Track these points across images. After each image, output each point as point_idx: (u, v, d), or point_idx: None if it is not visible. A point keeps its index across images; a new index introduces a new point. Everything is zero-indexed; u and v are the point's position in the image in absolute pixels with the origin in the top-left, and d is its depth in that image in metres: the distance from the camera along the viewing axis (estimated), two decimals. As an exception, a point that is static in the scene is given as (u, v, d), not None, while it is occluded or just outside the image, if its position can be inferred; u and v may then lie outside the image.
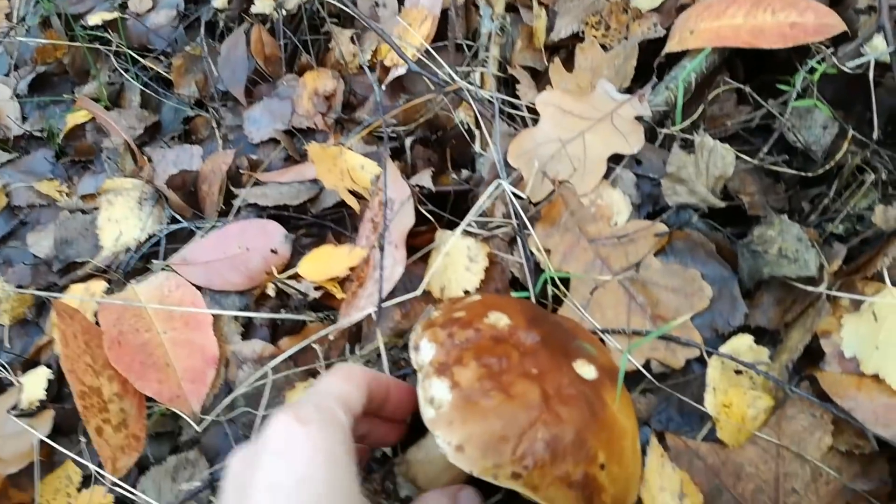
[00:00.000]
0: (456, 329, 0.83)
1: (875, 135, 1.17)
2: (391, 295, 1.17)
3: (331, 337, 1.18)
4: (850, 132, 1.19)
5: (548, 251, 1.16)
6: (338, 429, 0.70)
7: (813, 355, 1.04)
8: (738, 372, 1.05)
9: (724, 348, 1.05)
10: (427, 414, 0.75)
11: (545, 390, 0.77)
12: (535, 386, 0.77)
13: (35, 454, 1.22)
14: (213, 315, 1.29)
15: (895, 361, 0.96)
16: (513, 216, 1.19)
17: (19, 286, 1.55)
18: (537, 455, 0.73)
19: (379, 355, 1.11)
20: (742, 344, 1.06)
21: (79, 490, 1.26)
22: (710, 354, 1.04)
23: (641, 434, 0.96)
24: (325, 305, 1.29)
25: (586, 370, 0.84)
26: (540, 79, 1.48)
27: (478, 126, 1.38)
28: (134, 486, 1.23)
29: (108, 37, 1.97)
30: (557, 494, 0.74)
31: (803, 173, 1.21)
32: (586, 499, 0.76)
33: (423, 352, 0.82)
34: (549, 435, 0.74)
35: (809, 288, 1.04)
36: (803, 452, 0.96)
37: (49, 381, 1.33)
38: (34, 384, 1.33)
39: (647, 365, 1.06)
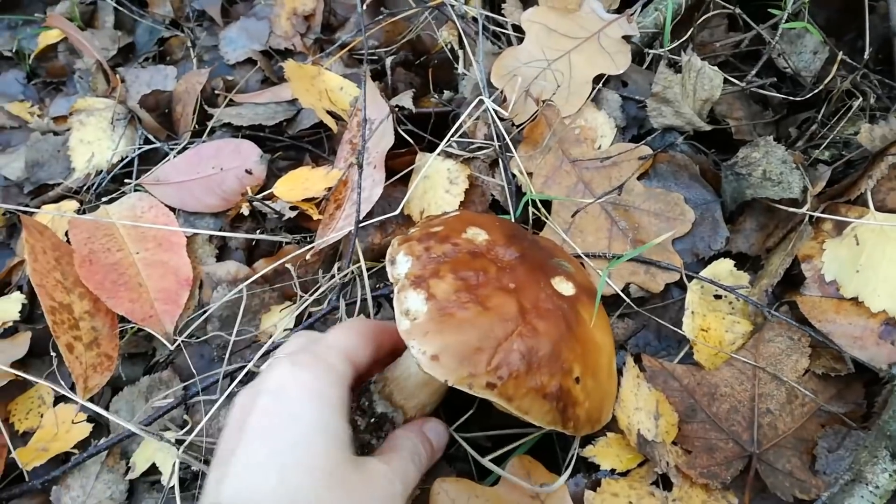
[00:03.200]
0: (433, 243, 0.82)
1: (866, 56, 1.14)
2: (369, 216, 1.15)
3: (308, 257, 1.16)
4: (840, 56, 1.16)
5: (530, 174, 1.14)
6: (332, 374, 0.75)
7: (793, 281, 1.03)
8: (717, 297, 1.04)
9: (704, 272, 1.04)
10: (402, 325, 0.74)
11: (522, 304, 0.76)
12: (512, 299, 0.76)
13: None
14: (187, 236, 1.26)
15: (875, 285, 0.96)
16: (494, 137, 1.16)
17: (-11, 207, 1.51)
18: (512, 366, 0.73)
19: (355, 277, 1.09)
20: (723, 268, 1.05)
21: (50, 409, 1.24)
22: (690, 278, 1.03)
23: (618, 357, 0.96)
24: (302, 227, 1.27)
25: (564, 286, 0.83)
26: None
27: (461, 46, 1.34)
28: (107, 407, 1.21)
29: (81, -47, 1.89)
30: (532, 405, 0.74)
31: (792, 98, 1.19)
32: (560, 410, 0.76)
33: (399, 265, 0.81)
34: (524, 347, 0.74)
35: (792, 209, 1.02)
36: (780, 374, 0.96)
37: (23, 304, 1.31)
38: (7, 305, 1.30)
39: (626, 289, 1.05)
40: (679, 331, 1.02)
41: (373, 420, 0.86)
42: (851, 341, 0.95)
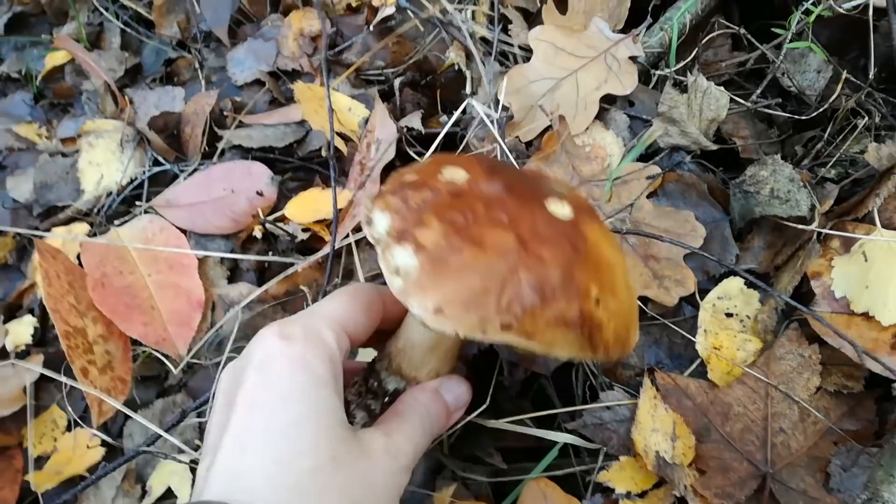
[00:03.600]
0: (409, 192, 0.74)
1: (870, 77, 1.15)
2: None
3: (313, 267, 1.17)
4: (844, 75, 1.17)
5: (539, 192, 1.15)
6: (322, 349, 0.69)
7: (801, 298, 1.04)
8: (728, 314, 1.05)
9: (715, 290, 1.05)
10: (395, 286, 0.67)
11: (520, 235, 0.69)
12: (508, 232, 0.69)
13: (28, 396, 1.21)
14: (199, 258, 1.27)
15: (885, 300, 0.96)
16: (500, 153, 1.17)
17: (-1, 231, 1.52)
18: (525, 300, 0.66)
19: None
20: (733, 287, 1.06)
21: (63, 433, 1.25)
22: (702, 295, 1.04)
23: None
24: (313, 249, 1.27)
25: (560, 209, 0.76)
26: (532, 20, 1.45)
27: (469, 66, 1.36)
28: (121, 430, 1.22)
29: (87, -24, 1.91)
30: (555, 337, 0.67)
31: (797, 117, 1.20)
32: (587, 337, 0.69)
33: (378, 224, 0.73)
34: (533, 277, 0.67)
35: (801, 226, 1.03)
36: (792, 392, 0.96)
37: (34, 327, 1.32)
38: (20, 328, 1.31)
39: (642, 301, 1.06)
40: (692, 345, 1.03)
41: (386, 400, 0.82)
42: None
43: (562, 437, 1.00)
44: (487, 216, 0.70)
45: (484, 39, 1.31)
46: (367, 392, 0.83)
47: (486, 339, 0.65)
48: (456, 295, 0.65)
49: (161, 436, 1.08)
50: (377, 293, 0.80)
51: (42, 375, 1.25)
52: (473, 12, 1.42)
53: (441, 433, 0.79)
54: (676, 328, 1.06)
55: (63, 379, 1.16)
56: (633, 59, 1.24)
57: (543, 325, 0.66)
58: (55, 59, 1.85)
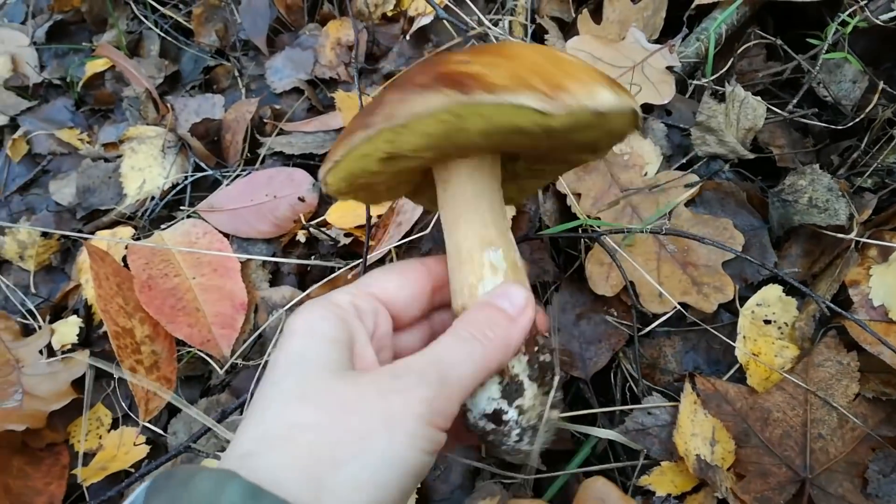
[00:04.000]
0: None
1: (907, 88, 1.16)
2: (407, 235, 1.18)
3: (349, 277, 1.19)
4: (881, 85, 1.18)
5: (577, 195, 1.17)
6: (336, 318, 0.66)
7: (839, 306, 1.05)
8: (767, 321, 1.06)
9: (754, 297, 1.07)
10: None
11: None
12: None
13: (88, 380, 1.24)
14: (241, 262, 1.30)
15: (923, 308, 0.97)
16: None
17: (44, 233, 1.56)
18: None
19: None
20: (772, 294, 1.07)
21: (108, 431, 1.28)
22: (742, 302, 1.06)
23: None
24: (355, 254, 1.30)
25: None
26: (568, 30, 1.47)
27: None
28: (165, 428, 1.25)
29: (126, -16, 1.95)
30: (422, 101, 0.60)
31: (833, 126, 1.21)
32: (456, 86, 0.59)
33: None
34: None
35: (840, 235, 1.04)
36: (830, 399, 0.98)
37: (80, 327, 1.35)
38: (65, 329, 1.35)
39: (681, 306, 1.07)
40: (730, 351, 1.04)
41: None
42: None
43: (605, 434, 1.01)
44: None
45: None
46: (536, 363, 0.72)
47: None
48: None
49: (203, 434, 1.11)
50: (420, 264, 0.76)
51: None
52: (510, 22, 1.44)
53: (508, 350, 0.66)
54: (716, 333, 1.07)
55: (116, 373, 1.19)
56: (669, 68, 1.26)
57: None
58: (95, 66, 1.89)
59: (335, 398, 0.59)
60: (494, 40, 1.36)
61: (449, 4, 1.44)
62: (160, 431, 1.24)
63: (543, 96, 0.57)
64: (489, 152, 0.72)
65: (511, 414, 0.68)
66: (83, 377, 1.28)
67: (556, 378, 0.72)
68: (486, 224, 0.72)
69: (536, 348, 0.71)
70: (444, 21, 1.46)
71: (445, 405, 0.60)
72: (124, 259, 1.32)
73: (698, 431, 0.96)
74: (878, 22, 1.19)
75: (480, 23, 1.38)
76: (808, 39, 1.28)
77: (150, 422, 1.23)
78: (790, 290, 1.08)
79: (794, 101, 1.23)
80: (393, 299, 0.73)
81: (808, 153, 1.25)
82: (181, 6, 1.92)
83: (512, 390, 0.68)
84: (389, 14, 1.67)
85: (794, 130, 1.28)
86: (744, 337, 1.04)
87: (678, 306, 1.06)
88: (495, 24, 1.42)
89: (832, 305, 0.99)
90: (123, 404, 1.29)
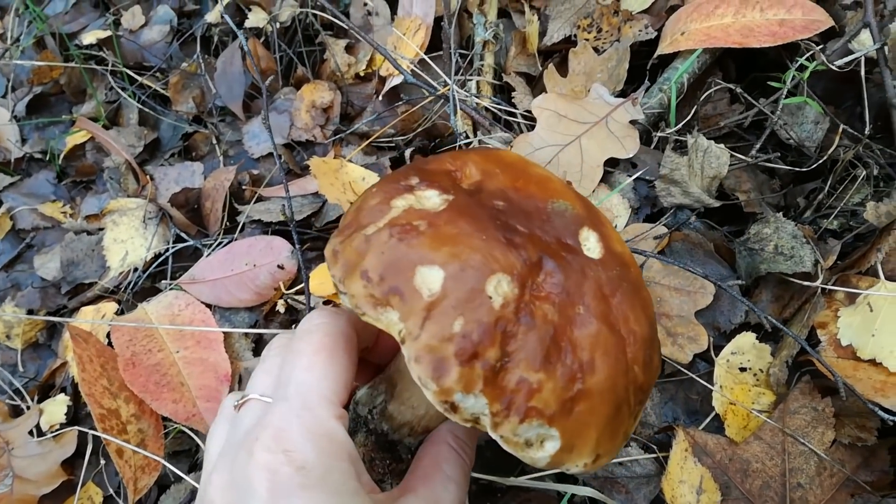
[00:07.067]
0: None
1: (867, 130, 1.19)
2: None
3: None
4: (842, 127, 1.21)
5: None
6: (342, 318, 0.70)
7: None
8: (742, 369, 1.08)
9: (729, 346, 1.08)
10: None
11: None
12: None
13: (84, 466, 1.25)
14: (224, 332, 1.31)
15: (892, 347, 0.99)
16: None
17: (30, 311, 1.57)
18: None
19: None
20: (746, 342, 1.09)
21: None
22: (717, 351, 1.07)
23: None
24: (334, 318, 1.31)
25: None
26: (535, 84, 1.50)
27: (476, 134, 1.40)
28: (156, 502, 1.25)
29: (104, 55, 1.98)
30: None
31: (797, 168, 1.23)
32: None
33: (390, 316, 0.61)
34: None
35: (806, 283, 1.06)
36: (808, 444, 0.99)
37: (68, 406, 1.36)
38: (54, 408, 1.36)
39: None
40: (707, 401, 1.06)
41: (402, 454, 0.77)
42: (874, 392, 0.98)
43: (582, 491, 1.03)
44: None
45: (489, 109, 1.36)
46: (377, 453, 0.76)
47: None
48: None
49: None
50: (348, 327, 0.71)
51: (76, 452, 1.30)
52: (478, 83, 1.47)
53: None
54: (696, 380, 1.08)
55: (103, 458, 1.20)
56: (633, 122, 1.28)
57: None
58: (76, 138, 1.91)
59: None
60: (462, 101, 1.39)
61: (415, 69, 1.48)
62: (150, 509, 1.24)
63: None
64: None
65: None
66: (73, 456, 1.30)
67: None
68: None
69: None
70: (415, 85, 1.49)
71: None
72: (108, 335, 1.34)
73: (686, 479, 0.97)
74: (833, 68, 1.22)
75: (445, 84, 1.41)
76: (769, 83, 1.31)
77: (140, 500, 1.23)
78: (763, 337, 1.09)
79: (758, 145, 1.26)
80: (345, 391, 0.67)
81: (775, 196, 1.27)
82: (158, 75, 1.95)
83: None
84: (362, 73, 1.70)
85: (760, 173, 1.30)
86: (720, 386, 1.05)
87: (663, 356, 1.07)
88: (462, 86, 1.45)
89: (804, 344, 1.00)
90: (114, 482, 1.30)
